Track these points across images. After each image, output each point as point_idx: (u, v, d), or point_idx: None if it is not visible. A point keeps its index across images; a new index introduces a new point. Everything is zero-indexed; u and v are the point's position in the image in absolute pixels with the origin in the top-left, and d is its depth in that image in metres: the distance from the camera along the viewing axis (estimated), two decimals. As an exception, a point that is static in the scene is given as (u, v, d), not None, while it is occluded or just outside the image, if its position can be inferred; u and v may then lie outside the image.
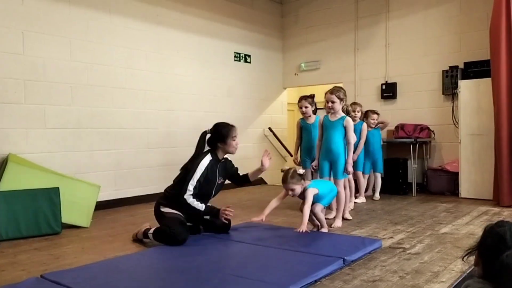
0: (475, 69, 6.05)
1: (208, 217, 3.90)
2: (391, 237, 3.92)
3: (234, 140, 3.87)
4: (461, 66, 6.29)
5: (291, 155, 7.50)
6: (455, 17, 6.54)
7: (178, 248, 3.49)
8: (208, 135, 3.92)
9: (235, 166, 4.16)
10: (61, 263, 3.31)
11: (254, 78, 7.88)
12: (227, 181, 6.44)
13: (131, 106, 5.87)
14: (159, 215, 3.82)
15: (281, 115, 8.56)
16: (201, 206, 3.73)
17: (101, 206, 5.15)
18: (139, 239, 3.84)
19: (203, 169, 3.72)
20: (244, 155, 7.68)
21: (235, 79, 7.51)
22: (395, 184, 6.50)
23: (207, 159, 3.78)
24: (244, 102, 7.65)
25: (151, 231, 3.73)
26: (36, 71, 4.91)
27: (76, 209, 4.48)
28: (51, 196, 4.21)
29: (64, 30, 5.16)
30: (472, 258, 1.63)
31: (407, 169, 6.58)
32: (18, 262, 3.37)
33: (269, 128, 8.03)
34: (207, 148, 3.92)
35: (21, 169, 4.27)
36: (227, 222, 3.96)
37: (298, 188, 3.96)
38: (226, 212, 3.81)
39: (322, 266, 2.92)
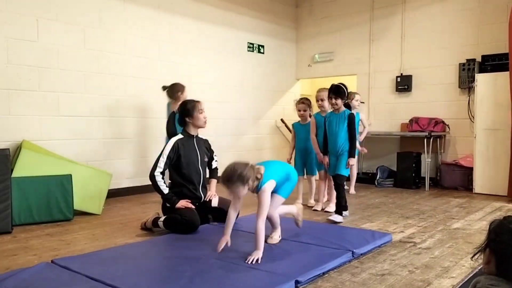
0: (493, 63, 5.92)
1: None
2: (402, 231, 3.89)
3: (201, 113, 3.91)
4: (479, 59, 6.16)
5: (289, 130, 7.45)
6: (473, 9, 6.39)
7: (186, 237, 3.51)
8: (177, 115, 4.03)
9: (214, 155, 4.18)
10: (72, 249, 3.35)
11: (267, 69, 7.83)
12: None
13: (144, 95, 5.88)
14: (167, 207, 3.81)
15: (294, 106, 8.48)
16: (165, 189, 3.74)
17: (113, 194, 5.20)
18: (148, 228, 3.86)
19: (172, 145, 3.79)
20: (256, 145, 7.69)
21: (248, 69, 7.47)
22: (407, 178, 6.42)
23: (176, 137, 3.88)
24: (256, 93, 7.62)
25: (162, 219, 3.76)
26: (50, 59, 4.94)
27: (88, 196, 4.53)
28: (64, 183, 4.25)
29: (79, 18, 5.18)
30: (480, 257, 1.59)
31: (420, 163, 6.49)
32: (30, 247, 3.42)
33: (281, 120, 7.99)
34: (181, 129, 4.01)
35: (35, 156, 4.32)
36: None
37: (242, 190, 3.04)
38: (183, 204, 3.74)
39: (331, 258, 2.91)
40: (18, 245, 3.46)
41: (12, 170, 4.05)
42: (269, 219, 3.28)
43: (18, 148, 4.45)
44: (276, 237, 3.39)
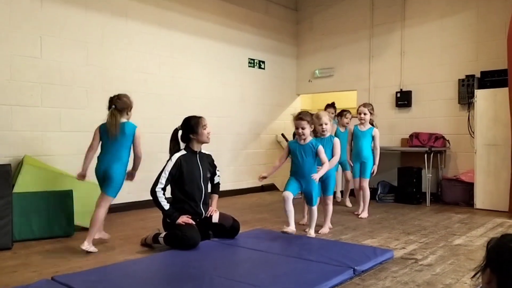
0: (492, 79, 5.96)
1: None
2: (403, 248, 3.87)
3: (205, 129, 3.92)
4: (478, 75, 6.21)
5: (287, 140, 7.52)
6: (472, 26, 6.46)
7: (187, 253, 3.50)
8: (180, 132, 4.01)
9: (217, 170, 4.18)
10: (72, 265, 3.34)
11: (267, 84, 7.88)
12: (238, 187, 6.42)
13: (144, 110, 5.91)
14: (168, 223, 3.81)
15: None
16: (165, 205, 3.75)
17: (113, 209, 5.15)
18: (148, 244, 3.86)
19: (174, 161, 3.80)
20: (256, 160, 7.70)
21: (249, 84, 7.52)
22: (408, 193, 6.41)
23: (179, 153, 3.88)
24: (257, 108, 7.66)
25: (162, 235, 3.75)
26: (53, 75, 4.98)
27: (88, 212, 4.49)
28: (65, 198, 4.26)
29: (81, 35, 5.24)
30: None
31: (421, 179, 6.49)
32: (30, 263, 3.41)
33: (282, 134, 8.01)
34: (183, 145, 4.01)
35: (36, 171, 4.33)
36: (236, 226, 3.97)
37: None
38: (184, 220, 3.73)
39: (332, 276, 2.90)
40: (18, 262, 3.45)
41: (13, 186, 4.05)
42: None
43: (20, 164, 4.47)
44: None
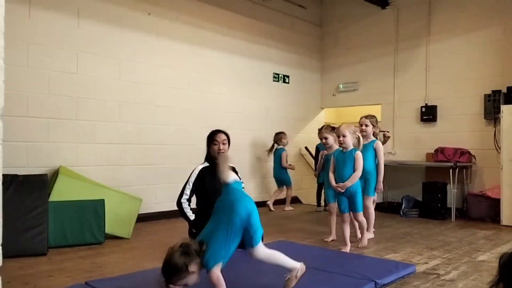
0: (519, 94, 5.92)
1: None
2: (426, 263, 3.89)
3: (215, 145, 4.04)
4: (504, 90, 6.18)
5: (311, 156, 7.62)
6: (498, 41, 6.44)
7: (213, 262, 3.61)
8: None
9: (242, 182, 4.22)
10: (104, 271, 3.51)
11: (292, 98, 8.01)
12: (262, 199, 6.49)
13: (173, 123, 6.13)
14: (193, 232, 3.94)
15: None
16: (191, 215, 3.89)
17: (142, 218, 5.37)
18: (176, 252, 3.99)
19: (197, 173, 3.97)
20: (280, 173, 7.77)
21: (273, 99, 7.67)
22: (433, 208, 6.38)
23: (200, 166, 4.05)
24: (281, 121, 7.78)
25: (188, 245, 3.88)
26: (88, 89, 5.25)
27: (118, 221, 4.72)
28: (97, 207, 4.46)
29: (115, 51, 5.50)
30: None
31: (446, 194, 6.44)
32: (65, 269, 3.59)
33: (306, 147, 8.10)
34: None
35: (70, 181, 4.56)
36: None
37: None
38: None
39: (353, 288, 2.96)
40: (54, 267, 3.64)
41: (49, 195, 4.28)
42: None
43: (55, 174, 4.71)
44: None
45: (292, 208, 6.99)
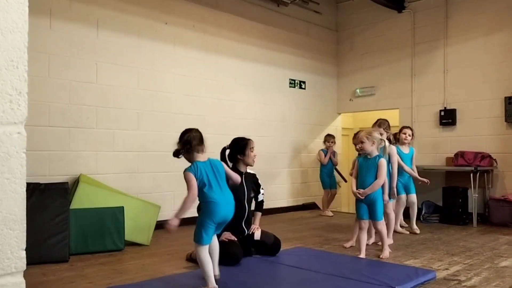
0: (540, 96, 5.81)
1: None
2: (447, 269, 3.83)
3: (252, 151, 4.06)
4: (525, 92, 6.07)
5: (345, 180, 7.48)
6: (518, 43, 6.35)
7: (230, 269, 3.64)
8: (228, 151, 4.13)
9: (262, 188, 4.31)
10: (124, 277, 3.56)
11: (308, 104, 8.01)
12: (280, 205, 6.49)
13: (191, 130, 6.18)
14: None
15: (336, 139, 8.57)
16: None
17: (161, 225, 5.40)
18: (193, 259, 4.02)
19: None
20: (298, 179, 7.78)
21: (290, 104, 7.68)
22: (454, 213, 6.28)
23: None
24: (298, 127, 7.78)
25: (207, 251, 3.91)
26: (107, 98, 5.35)
27: (138, 228, 4.78)
28: (116, 214, 4.52)
29: (133, 61, 5.60)
30: None
31: (467, 199, 6.33)
32: (86, 275, 3.66)
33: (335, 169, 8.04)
34: (230, 165, 4.11)
35: (91, 189, 4.64)
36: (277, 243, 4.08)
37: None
38: (226, 237, 3.87)
39: (372, 294, 2.94)
40: (75, 273, 3.71)
41: (70, 202, 4.37)
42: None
43: (76, 181, 4.80)
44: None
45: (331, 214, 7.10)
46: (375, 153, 4.22)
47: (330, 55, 8.43)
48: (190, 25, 6.23)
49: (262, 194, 4.34)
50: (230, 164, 4.13)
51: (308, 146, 8.00)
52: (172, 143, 5.92)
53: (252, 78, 7.07)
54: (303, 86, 7.93)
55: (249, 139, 4.12)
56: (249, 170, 4.24)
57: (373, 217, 4.25)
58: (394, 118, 7.83)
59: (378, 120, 5.17)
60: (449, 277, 3.55)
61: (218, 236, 3.86)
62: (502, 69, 6.46)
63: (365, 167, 4.26)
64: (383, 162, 4.17)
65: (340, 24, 8.53)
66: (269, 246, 4.08)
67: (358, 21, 8.21)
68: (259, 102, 7.17)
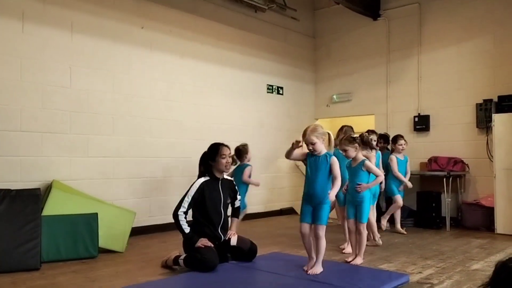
0: (509, 103, 5.98)
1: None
2: (420, 272, 3.89)
3: (223, 158, 4.04)
4: (495, 99, 6.23)
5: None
6: (488, 51, 6.53)
7: (206, 275, 3.61)
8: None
9: (238, 194, 4.32)
10: (96, 286, 3.49)
11: (286, 110, 8.05)
12: (257, 210, 6.49)
13: (167, 136, 6.14)
14: (187, 245, 3.94)
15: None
16: (186, 228, 3.87)
17: (136, 232, 5.35)
18: (169, 266, 3.98)
19: (198, 186, 3.94)
20: (275, 184, 7.80)
21: (268, 110, 7.70)
22: (428, 218, 6.39)
23: (203, 178, 4.01)
24: (276, 133, 7.81)
25: (182, 257, 3.88)
26: (81, 103, 5.26)
27: (112, 234, 4.70)
28: (90, 221, 4.44)
29: (108, 65, 5.53)
30: None
31: (440, 203, 6.46)
32: (57, 283, 3.57)
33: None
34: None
35: (64, 195, 4.54)
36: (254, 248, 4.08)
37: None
38: (203, 243, 3.84)
39: (346, 299, 2.96)
40: (46, 282, 3.62)
41: (42, 209, 4.27)
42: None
43: (49, 188, 4.70)
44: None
45: None
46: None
47: (308, 61, 8.51)
48: (167, 30, 6.20)
49: (239, 200, 4.34)
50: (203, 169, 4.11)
51: (285, 151, 8.00)
52: (148, 148, 5.90)
53: (230, 84, 7.07)
54: (281, 92, 7.97)
55: (221, 146, 4.10)
56: (227, 177, 4.23)
57: (358, 218, 4.28)
58: (369, 124, 7.94)
59: (343, 126, 5.29)
60: (422, 281, 3.61)
61: (196, 241, 3.84)
62: (474, 76, 6.63)
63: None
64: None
65: (317, 31, 8.63)
66: (246, 252, 4.07)
67: (334, 28, 8.32)
68: (237, 107, 7.17)
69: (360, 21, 7.84)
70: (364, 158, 4.36)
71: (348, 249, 4.67)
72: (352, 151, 4.25)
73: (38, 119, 4.91)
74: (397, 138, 6.20)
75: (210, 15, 6.78)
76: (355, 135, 4.38)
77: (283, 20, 8.01)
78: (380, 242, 5.06)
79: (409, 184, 5.97)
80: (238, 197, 4.33)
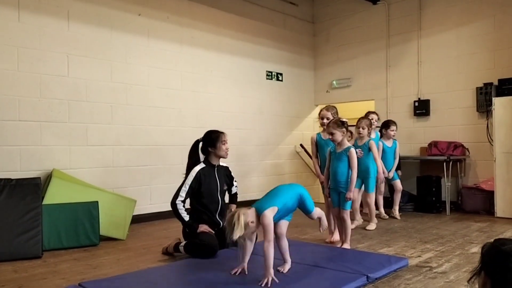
0: (510, 86, 5.95)
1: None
2: (419, 256, 3.92)
3: (224, 144, 4.05)
4: (495, 83, 6.20)
5: None
6: (488, 34, 6.47)
7: (206, 261, 3.64)
8: (201, 144, 4.13)
9: (234, 181, 4.32)
10: (98, 273, 3.52)
11: (285, 96, 8.02)
12: (257, 197, 6.45)
13: (166, 124, 6.13)
14: (187, 232, 3.96)
15: (313, 131, 8.61)
16: (185, 216, 3.87)
17: (137, 219, 5.39)
18: (170, 252, 4.01)
19: (194, 175, 3.93)
20: (276, 171, 7.80)
21: (267, 97, 7.68)
22: (428, 202, 6.41)
23: (199, 166, 3.99)
24: (275, 119, 7.80)
25: (182, 244, 3.90)
26: (79, 92, 5.25)
27: (113, 222, 4.73)
28: (91, 209, 4.46)
29: (106, 53, 5.50)
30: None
31: (440, 187, 6.47)
32: (59, 271, 3.60)
33: (301, 145, 8.12)
34: (202, 158, 4.12)
35: (64, 184, 4.56)
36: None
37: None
38: (203, 229, 3.87)
39: (345, 283, 2.99)
40: (48, 269, 3.65)
41: (43, 198, 4.29)
42: (279, 247, 3.32)
43: (49, 177, 4.71)
44: (287, 267, 3.35)
45: None
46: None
47: (307, 47, 8.45)
48: (164, 17, 6.15)
49: (236, 186, 4.34)
50: (202, 157, 4.11)
51: (286, 138, 8.02)
52: (147, 136, 5.90)
53: (229, 71, 7.03)
54: (280, 78, 7.93)
55: (221, 132, 4.10)
56: (223, 163, 4.23)
57: (341, 205, 4.23)
58: (370, 109, 7.91)
59: (327, 106, 5.00)
60: (421, 264, 3.63)
61: (196, 228, 3.85)
62: (474, 60, 6.59)
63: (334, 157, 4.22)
64: (352, 151, 4.19)
65: (316, 16, 8.55)
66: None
67: (334, 13, 8.24)
68: (236, 94, 7.14)
69: (359, 5, 7.76)
70: (350, 145, 4.25)
71: (336, 236, 4.53)
72: (339, 135, 4.15)
73: (36, 109, 4.90)
74: (389, 123, 6.09)
75: (208, 2, 6.72)
76: (344, 120, 4.27)
77: (282, 5, 7.94)
78: (361, 221, 5.35)
79: (386, 174, 5.81)
80: (235, 183, 4.32)
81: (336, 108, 4.89)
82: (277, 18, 7.89)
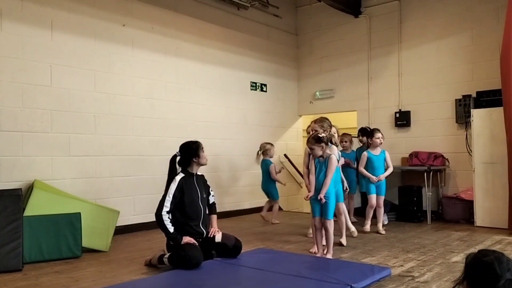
0: (487, 98, 6.11)
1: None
2: (401, 265, 3.97)
3: (203, 152, 4.15)
4: (474, 95, 6.37)
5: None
6: (467, 47, 6.65)
7: (190, 272, 3.62)
8: (179, 157, 4.16)
9: (211, 190, 4.34)
10: (80, 285, 3.48)
11: (270, 106, 8.08)
12: (242, 207, 6.49)
13: (150, 134, 6.11)
14: (171, 244, 3.95)
15: (297, 142, 8.71)
16: (170, 228, 3.86)
17: (120, 230, 5.33)
18: (153, 264, 3.98)
19: (177, 184, 3.96)
20: (259, 181, 7.82)
21: (251, 107, 7.72)
22: (409, 211, 6.51)
23: (178, 176, 4.04)
24: (260, 130, 7.84)
25: (166, 256, 3.88)
26: (62, 102, 5.20)
27: (96, 234, 4.67)
28: (73, 221, 4.40)
29: (89, 63, 5.47)
30: None
31: (421, 197, 6.58)
32: (40, 284, 3.55)
33: (285, 155, 8.17)
34: (179, 169, 4.16)
35: (45, 195, 4.50)
36: (238, 245, 4.10)
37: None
38: (187, 241, 3.87)
39: (329, 293, 3.01)
40: (29, 283, 3.59)
41: (24, 209, 4.22)
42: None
43: (30, 188, 4.64)
44: None
45: (278, 222, 6.61)
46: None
47: (291, 58, 8.55)
48: (149, 27, 6.16)
49: (213, 196, 4.34)
50: (179, 169, 4.12)
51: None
52: (131, 146, 5.87)
53: (213, 81, 7.06)
54: (264, 89, 8.00)
55: (198, 141, 4.18)
56: (200, 173, 4.25)
57: (324, 214, 4.29)
58: (352, 120, 8.05)
59: (319, 118, 5.02)
60: (404, 274, 3.68)
61: (180, 240, 3.84)
62: (453, 73, 6.76)
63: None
64: (332, 158, 4.34)
65: (299, 28, 8.67)
66: (230, 248, 4.09)
67: (316, 25, 8.37)
68: (221, 104, 7.17)
69: (341, 18, 7.90)
70: (330, 153, 4.34)
71: (315, 248, 4.50)
72: (318, 150, 4.29)
73: (18, 119, 4.84)
74: (373, 131, 6.02)
75: (193, 13, 6.76)
76: (322, 135, 4.37)
77: (266, 17, 8.03)
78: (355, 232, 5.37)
79: (374, 179, 5.69)
80: (211, 192, 4.33)
81: (328, 120, 4.92)
82: (261, 30, 7.97)
